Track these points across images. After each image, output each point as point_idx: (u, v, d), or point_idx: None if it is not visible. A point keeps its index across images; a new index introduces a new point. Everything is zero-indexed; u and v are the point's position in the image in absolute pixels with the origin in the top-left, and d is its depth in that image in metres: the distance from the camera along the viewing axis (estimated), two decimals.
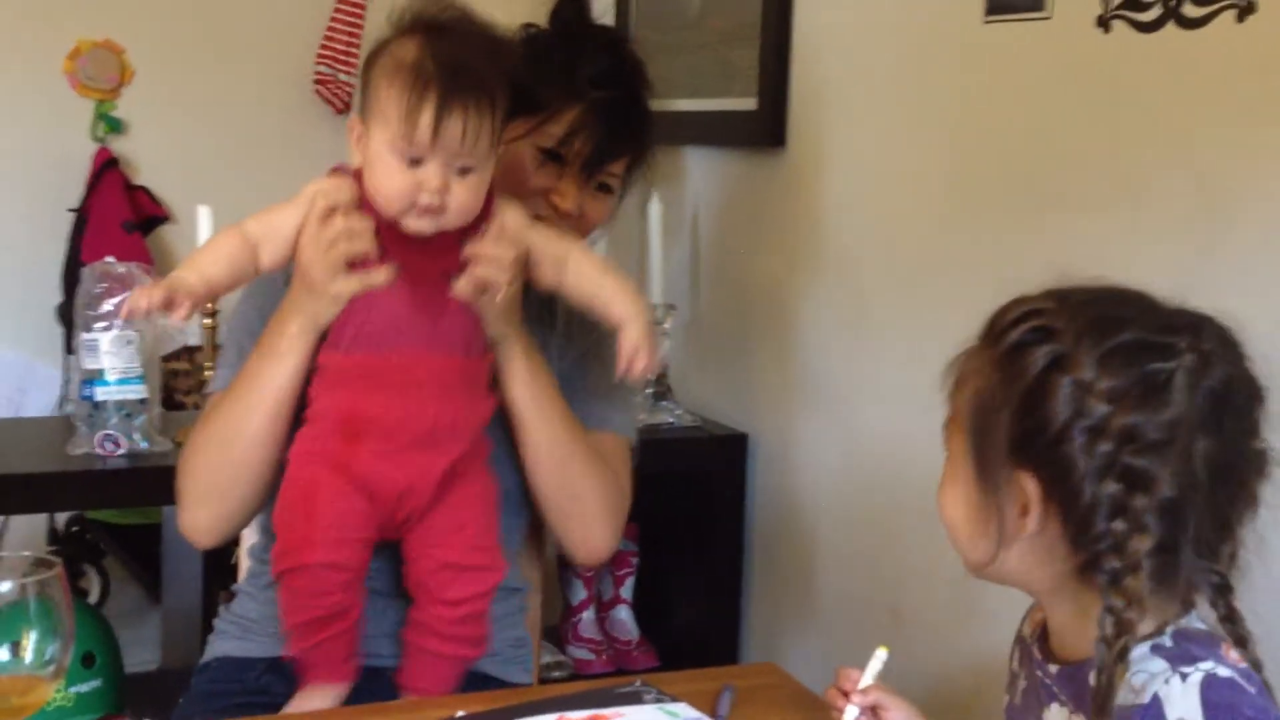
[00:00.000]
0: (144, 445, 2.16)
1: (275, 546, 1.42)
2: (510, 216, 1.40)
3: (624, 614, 2.71)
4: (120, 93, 3.41)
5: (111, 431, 2.14)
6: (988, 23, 1.88)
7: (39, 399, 3.37)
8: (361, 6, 3.34)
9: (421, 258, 1.36)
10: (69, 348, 3.06)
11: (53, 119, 3.36)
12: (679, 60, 2.61)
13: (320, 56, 3.48)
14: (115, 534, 3.25)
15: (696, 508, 2.60)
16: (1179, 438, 0.98)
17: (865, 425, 2.20)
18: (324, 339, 1.40)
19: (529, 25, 1.61)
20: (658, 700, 1.30)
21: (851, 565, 2.24)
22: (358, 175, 1.37)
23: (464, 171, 1.33)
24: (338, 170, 1.41)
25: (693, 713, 1.28)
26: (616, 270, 1.42)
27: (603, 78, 1.56)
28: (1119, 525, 0.98)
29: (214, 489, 1.47)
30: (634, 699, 1.30)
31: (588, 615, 2.69)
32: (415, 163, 1.31)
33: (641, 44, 1.66)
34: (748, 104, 2.40)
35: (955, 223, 1.98)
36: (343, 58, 3.45)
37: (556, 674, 2.61)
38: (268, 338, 1.41)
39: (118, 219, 3.33)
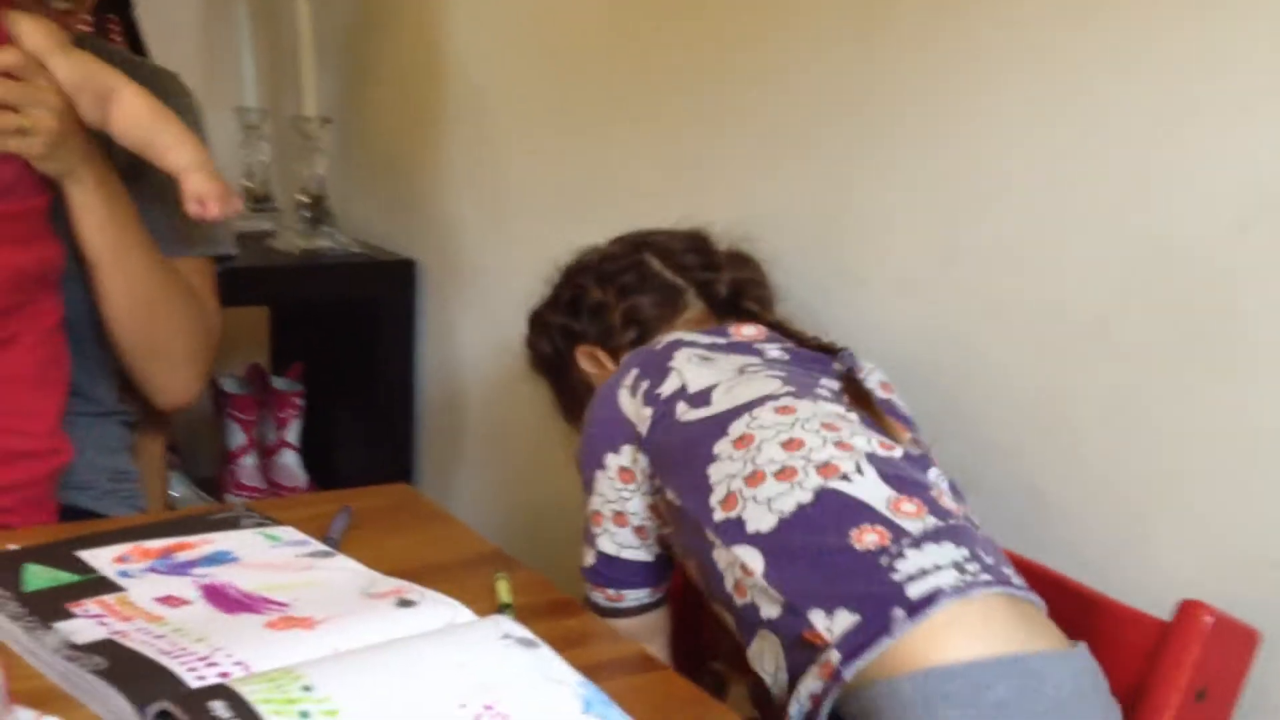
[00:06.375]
0: None
1: None
2: (29, 33, 1.17)
3: (289, 459, 2.50)
4: None
5: None
6: None
7: None
8: None
9: None
10: None
11: None
12: None
13: None
14: None
15: (363, 341, 2.40)
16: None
17: (546, 244, 2.04)
18: None
19: None
20: (259, 525, 1.13)
21: (517, 397, 2.09)
22: None
23: None
24: None
25: (298, 535, 1.11)
26: (168, 114, 1.26)
27: None
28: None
29: None
30: (230, 525, 1.12)
31: (248, 461, 2.48)
32: None
33: None
34: None
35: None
36: None
37: None
38: None
39: None
